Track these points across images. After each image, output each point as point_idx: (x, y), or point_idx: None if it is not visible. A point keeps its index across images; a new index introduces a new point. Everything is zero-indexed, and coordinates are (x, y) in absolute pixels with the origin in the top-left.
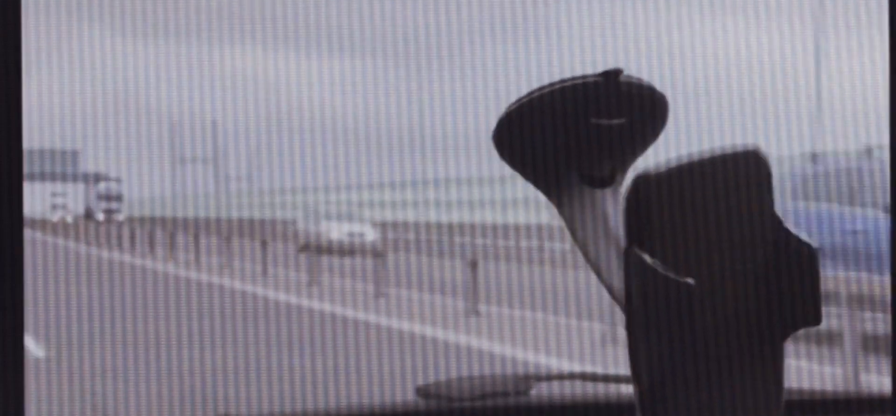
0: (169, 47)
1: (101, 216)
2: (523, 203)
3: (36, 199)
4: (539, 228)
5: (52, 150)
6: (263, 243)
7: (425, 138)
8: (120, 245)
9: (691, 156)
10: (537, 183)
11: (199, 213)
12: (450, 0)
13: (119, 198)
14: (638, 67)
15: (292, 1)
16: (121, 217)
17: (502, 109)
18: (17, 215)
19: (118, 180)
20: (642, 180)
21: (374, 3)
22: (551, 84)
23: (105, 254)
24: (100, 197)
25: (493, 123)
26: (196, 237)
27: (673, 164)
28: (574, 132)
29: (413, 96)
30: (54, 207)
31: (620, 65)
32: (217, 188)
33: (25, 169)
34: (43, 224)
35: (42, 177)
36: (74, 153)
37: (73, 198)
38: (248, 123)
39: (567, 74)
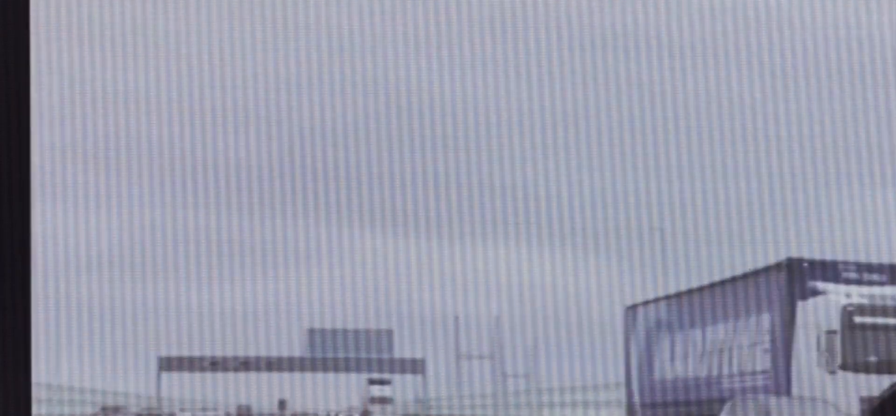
0: (446, 245)
1: None
2: None
3: (341, 393)
4: None
5: (355, 329)
6: None
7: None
8: None
9: None
10: None
11: (479, 413)
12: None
13: None
14: None
15: (570, 200)
16: None
17: None
18: (25, 221)
19: None
20: None
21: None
22: None
23: None
24: None
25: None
26: None
27: None
28: None
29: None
30: (373, 400)
31: None
32: (494, 386)
33: (330, 354)
34: None
35: (347, 366)
36: (388, 333)
37: (407, 387)
38: (529, 320)
39: None
